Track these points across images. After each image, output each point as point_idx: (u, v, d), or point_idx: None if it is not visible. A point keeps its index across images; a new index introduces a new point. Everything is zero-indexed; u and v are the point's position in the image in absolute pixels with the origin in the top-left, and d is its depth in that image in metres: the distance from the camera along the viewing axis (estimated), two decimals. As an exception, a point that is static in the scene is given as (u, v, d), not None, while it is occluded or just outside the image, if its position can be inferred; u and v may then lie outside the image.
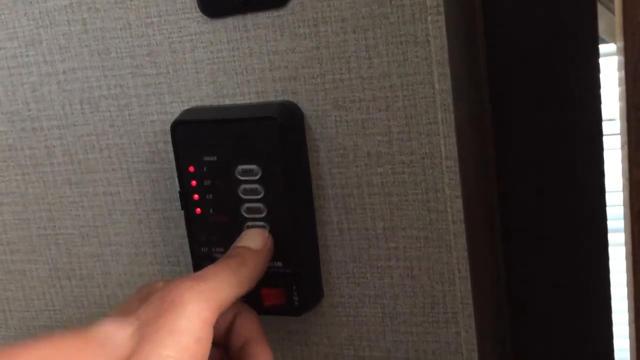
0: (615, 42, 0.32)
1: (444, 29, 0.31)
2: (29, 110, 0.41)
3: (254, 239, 0.34)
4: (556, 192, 0.38)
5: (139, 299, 0.30)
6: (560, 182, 0.38)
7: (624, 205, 0.30)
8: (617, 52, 0.31)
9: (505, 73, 0.37)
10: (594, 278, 0.39)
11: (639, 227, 0.29)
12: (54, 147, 0.41)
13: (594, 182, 0.37)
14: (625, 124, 0.29)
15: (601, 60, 0.37)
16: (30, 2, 0.39)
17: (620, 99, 0.31)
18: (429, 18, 0.32)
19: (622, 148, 0.31)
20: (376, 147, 0.34)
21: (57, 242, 0.43)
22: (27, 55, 0.40)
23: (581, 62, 0.36)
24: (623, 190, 0.30)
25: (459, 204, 0.33)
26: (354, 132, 0.35)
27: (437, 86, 0.32)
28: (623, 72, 0.30)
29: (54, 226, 0.43)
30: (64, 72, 0.39)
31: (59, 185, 0.42)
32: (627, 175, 0.28)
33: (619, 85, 0.31)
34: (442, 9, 0.31)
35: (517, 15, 0.37)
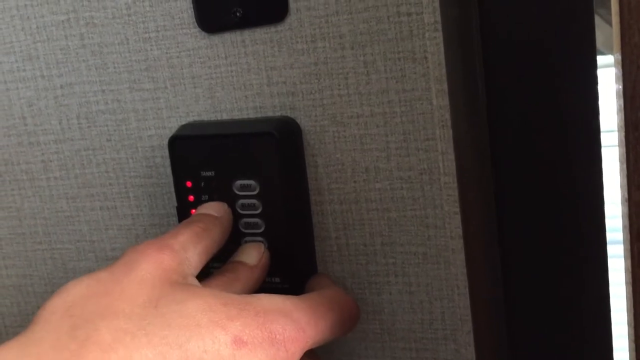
0: (613, 54, 0.32)
1: (441, 46, 0.31)
2: (26, 124, 0.41)
3: (249, 254, 0.34)
4: (555, 206, 0.38)
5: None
6: (559, 196, 0.38)
7: (623, 225, 0.30)
8: (615, 64, 0.31)
9: (503, 87, 0.37)
10: (593, 291, 0.39)
11: (638, 247, 0.29)
12: (51, 161, 0.41)
13: (593, 194, 0.37)
14: (623, 140, 0.29)
15: (600, 72, 0.37)
16: (28, 16, 0.39)
17: (617, 113, 0.31)
18: (427, 35, 0.32)
19: (620, 164, 0.30)
20: (374, 162, 0.34)
21: (53, 257, 0.43)
22: (24, 70, 0.40)
23: (579, 75, 0.36)
24: (622, 209, 0.30)
25: (457, 220, 0.33)
26: (352, 147, 0.34)
27: (435, 102, 0.32)
28: (621, 86, 0.30)
29: (50, 241, 0.42)
30: (61, 87, 0.39)
31: (55, 200, 0.41)
32: (626, 195, 0.28)
33: (617, 98, 0.31)
34: (439, 26, 0.31)
35: (515, 29, 0.37)
